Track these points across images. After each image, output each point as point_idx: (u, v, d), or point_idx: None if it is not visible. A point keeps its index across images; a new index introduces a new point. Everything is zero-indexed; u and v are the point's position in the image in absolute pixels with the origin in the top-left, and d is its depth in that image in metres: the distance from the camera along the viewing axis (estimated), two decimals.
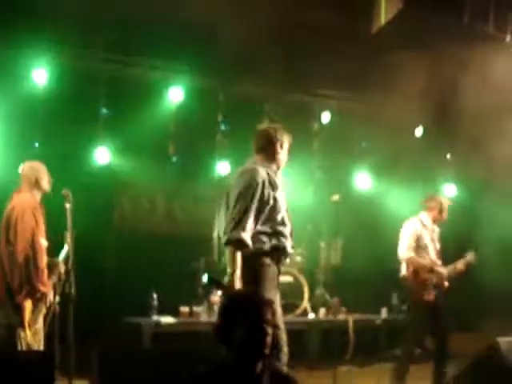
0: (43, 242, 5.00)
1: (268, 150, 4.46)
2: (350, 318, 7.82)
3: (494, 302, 8.86)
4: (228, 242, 4.00)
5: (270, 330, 2.78)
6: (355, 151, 9.52)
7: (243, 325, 2.77)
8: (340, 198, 6.17)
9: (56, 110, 7.44)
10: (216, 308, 7.57)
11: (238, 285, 3.48)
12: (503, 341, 5.31)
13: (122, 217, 9.09)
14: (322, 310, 8.27)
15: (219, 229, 4.31)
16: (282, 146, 4.49)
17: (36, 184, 5.07)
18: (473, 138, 8.75)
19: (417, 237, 6.43)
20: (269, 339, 2.76)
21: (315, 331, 7.87)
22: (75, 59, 7.57)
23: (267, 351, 2.77)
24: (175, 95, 8.23)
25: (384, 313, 8.64)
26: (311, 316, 8.12)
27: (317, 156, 9.29)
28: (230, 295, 3.26)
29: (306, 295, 8.07)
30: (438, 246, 6.57)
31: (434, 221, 6.57)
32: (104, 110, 8.06)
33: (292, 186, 9.13)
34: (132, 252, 8.24)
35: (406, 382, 6.29)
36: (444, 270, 6.46)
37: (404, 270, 6.45)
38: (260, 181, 4.24)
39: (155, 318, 7.29)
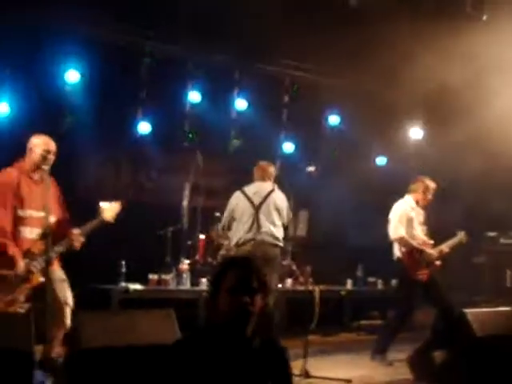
0: (21, 213, 5.04)
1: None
2: (317, 289, 7.90)
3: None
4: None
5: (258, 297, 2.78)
6: (324, 125, 9.56)
7: (233, 286, 2.76)
8: (316, 169, 6.20)
9: None
10: (185, 276, 7.64)
11: None
12: (469, 312, 5.47)
13: (87, 183, 9.01)
14: (289, 281, 8.37)
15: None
16: None
17: (28, 153, 5.15)
18: (442, 113, 8.87)
19: (405, 218, 6.51)
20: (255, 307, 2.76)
21: (282, 301, 7.94)
22: None
23: (254, 317, 2.78)
24: (146, 61, 8.13)
25: (349, 284, 8.79)
26: (278, 286, 8.20)
27: (286, 128, 9.31)
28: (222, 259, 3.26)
29: None
30: (425, 228, 6.69)
31: (417, 202, 6.65)
32: None
33: (261, 157, 9.21)
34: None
35: (387, 354, 6.47)
36: (433, 251, 6.59)
37: (398, 252, 6.57)
38: None
39: (123, 284, 7.29)
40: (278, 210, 6.57)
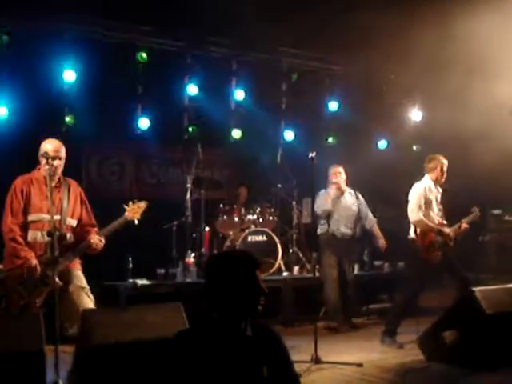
0: (31, 218, 4.98)
1: None
2: None
3: None
4: None
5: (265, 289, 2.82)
6: (324, 111, 9.54)
7: (237, 284, 2.79)
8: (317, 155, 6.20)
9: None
10: (191, 269, 7.65)
11: None
12: (478, 290, 5.49)
13: (91, 181, 9.06)
14: (296, 268, 8.38)
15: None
16: None
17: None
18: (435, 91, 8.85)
19: (423, 200, 6.52)
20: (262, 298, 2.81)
21: (290, 289, 7.96)
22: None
23: (261, 309, 2.81)
24: (142, 57, 8.12)
25: (356, 269, 8.78)
26: (285, 274, 8.24)
27: (286, 116, 9.29)
28: (219, 255, 3.28)
29: (280, 253, 8.15)
30: (441, 207, 6.70)
31: (436, 180, 6.66)
32: None
33: (262, 146, 9.24)
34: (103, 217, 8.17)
35: (397, 337, 6.48)
36: (450, 231, 6.60)
37: (412, 233, 6.58)
38: None
39: (131, 280, 7.31)
40: (349, 210, 7.69)
